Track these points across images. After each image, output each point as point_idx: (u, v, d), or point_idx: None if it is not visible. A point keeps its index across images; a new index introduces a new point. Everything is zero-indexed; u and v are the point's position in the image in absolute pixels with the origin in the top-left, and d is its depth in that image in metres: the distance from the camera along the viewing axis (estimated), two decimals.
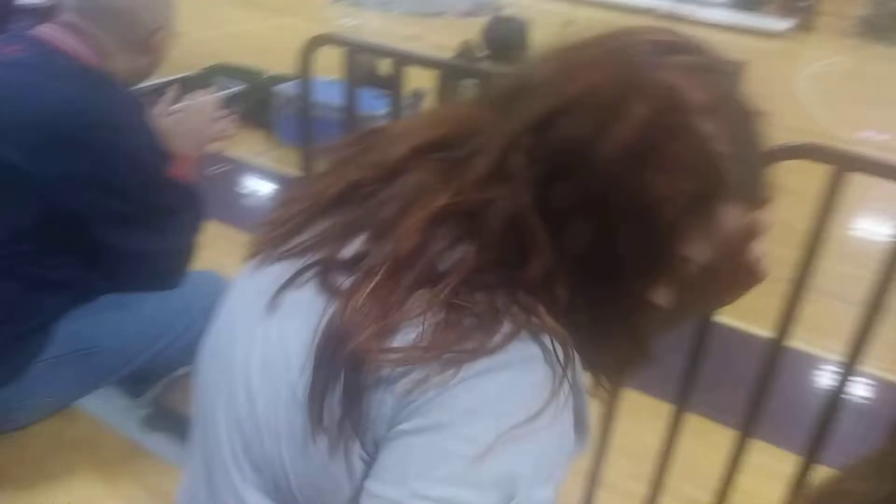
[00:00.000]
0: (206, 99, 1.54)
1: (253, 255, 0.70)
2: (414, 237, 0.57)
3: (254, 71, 5.11)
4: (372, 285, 0.57)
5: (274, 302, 0.64)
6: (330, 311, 0.59)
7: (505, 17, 7.43)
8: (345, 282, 0.60)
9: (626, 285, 0.57)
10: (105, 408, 1.68)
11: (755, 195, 0.60)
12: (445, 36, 6.88)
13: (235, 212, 3.68)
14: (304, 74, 1.84)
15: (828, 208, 1.22)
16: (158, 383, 1.93)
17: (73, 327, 1.37)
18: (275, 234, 0.69)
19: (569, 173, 0.55)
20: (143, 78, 1.46)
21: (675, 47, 0.57)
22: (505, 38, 6.92)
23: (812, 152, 1.22)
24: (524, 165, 0.56)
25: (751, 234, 0.60)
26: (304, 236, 0.66)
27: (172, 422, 1.89)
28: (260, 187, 4.11)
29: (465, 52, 4.89)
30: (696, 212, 0.54)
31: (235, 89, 4.77)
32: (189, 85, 4.75)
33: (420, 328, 0.55)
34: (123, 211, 1.30)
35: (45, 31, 1.31)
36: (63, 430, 1.54)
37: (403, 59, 1.75)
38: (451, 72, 1.85)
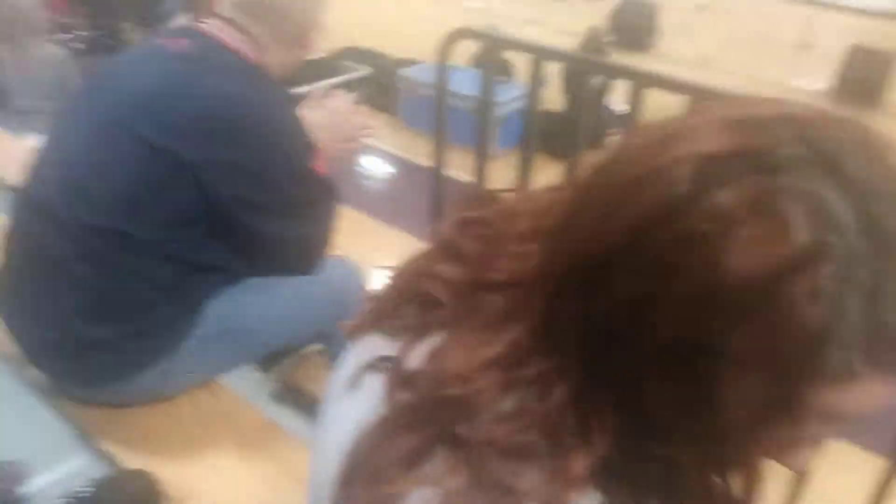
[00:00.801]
0: (344, 98, 1.60)
1: (359, 326, 0.68)
2: (458, 386, 0.51)
3: (379, 54, 5.19)
4: (401, 424, 0.53)
5: (354, 381, 0.62)
6: (365, 431, 0.56)
7: (632, 4, 7.21)
8: (394, 395, 0.56)
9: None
10: (240, 382, 1.78)
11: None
12: (569, 20, 6.75)
13: (359, 196, 3.77)
14: (441, 66, 1.85)
15: None
16: (286, 361, 2.03)
17: (221, 309, 1.45)
18: (381, 303, 0.66)
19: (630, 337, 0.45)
20: (295, 69, 1.52)
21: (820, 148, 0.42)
22: (633, 23, 6.71)
23: None
24: (572, 330, 0.48)
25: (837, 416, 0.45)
26: (402, 314, 0.63)
27: (299, 397, 1.98)
28: (383, 171, 4.19)
29: (592, 38, 4.75)
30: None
31: (360, 74, 4.88)
32: (318, 67, 4.90)
33: (430, 496, 0.49)
34: (270, 200, 1.36)
35: (210, 26, 1.37)
36: (205, 402, 1.64)
37: (544, 55, 1.72)
38: (585, 67, 1.80)
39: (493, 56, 1.83)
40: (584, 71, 2.55)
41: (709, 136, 0.43)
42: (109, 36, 4.68)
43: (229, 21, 1.38)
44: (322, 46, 4.99)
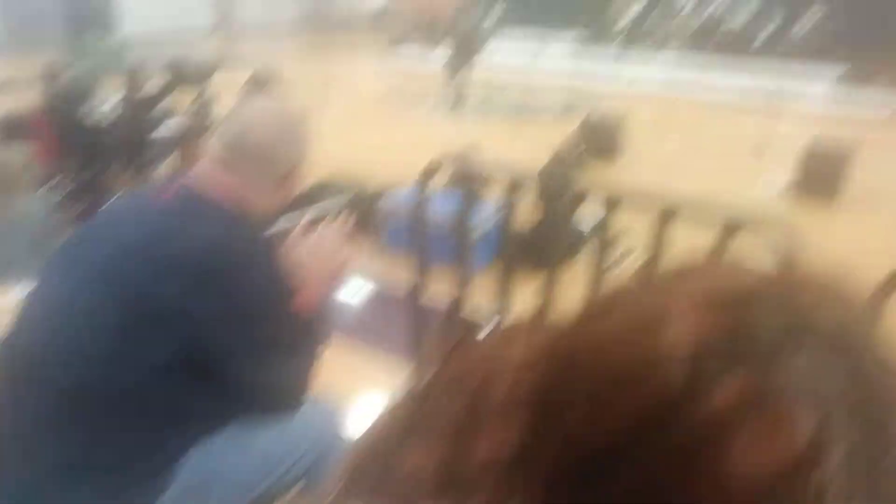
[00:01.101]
0: (328, 230, 1.59)
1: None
2: None
3: (361, 181, 5.38)
4: None
5: None
6: None
7: (599, 115, 7.58)
8: None
9: None
10: None
11: None
12: (541, 134, 7.03)
13: (341, 321, 3.77)
14: (421, 193, 1.92)
15: None
16: None
17: (199, 461, 1.40)
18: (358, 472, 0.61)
19: None
20: (280, 209, 1.53)
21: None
22: (601, 135, 7.03)
23: None
24: None
25: None
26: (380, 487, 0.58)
27: None
28: (365, 296, 4.22)
29: (559, 159, 4.97)
30: None
31: (342, 200, 5.03)
32: (300, 196, 5.02)
33: None
34: (249, 347, 1.34)
35: (194, 175, 1.41)
36: None
37: (519, 182, 1.80)
38: (555, 187, 1.88)
39: (468, 183, 1.91)
40: (556, 189, 2.65)
41: (695, 321, 0.42)
42: (96, 184, 4.77)
43: (214, 170, 1.41)
44: (306, 177, 5.19)
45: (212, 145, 1.45)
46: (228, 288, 1.29)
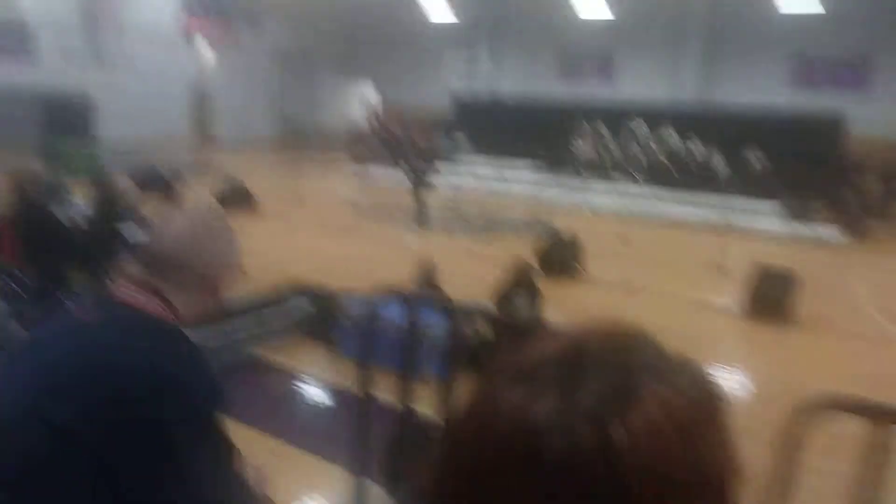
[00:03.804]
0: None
1: None
2: None
3: (321, 289, 5.43)
4: None
5: None
6: None
7: (557, 234, 7.85)
8: None
9: None
10: None
11: None
12: (501, 251, 7.22)
13: (294, 428, 3.72)
14: (375, 302, 1.98)
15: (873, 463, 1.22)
16: None
17: None
18: None
19: None
20: (208, 312, 1.54)
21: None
22: (558, 255, 7.27)
23: (850, 406, 1.26)
24: None
25: None
26: None
27: None
28: (318, 401, 4.18)
29: (519, 268, 5.12)
30: None
31: (301, 308, 5.06)
32: (262, 304, 5.03)
33: None
34: (170, 465, 1.31)
35: (121, 291, 1.38)
36: None
37: (458, 310, 1.90)
38: (498, 324, 1.95)
39: (427, 294, 1.99)
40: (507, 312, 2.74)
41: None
42: (55, 285, 4.71)
43: (139, 283, 1.39)
44: (265, 281, 5.21)
45: (136, 257, 1.45)
46: (145, 406, 1.27)
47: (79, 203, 5.94)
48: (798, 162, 11.74)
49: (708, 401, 0.51)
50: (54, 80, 13.92)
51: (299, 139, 18.53)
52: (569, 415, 0.47)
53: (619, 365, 0.50)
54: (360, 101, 21.22)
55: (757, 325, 5.75)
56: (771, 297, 5.79)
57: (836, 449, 2.10)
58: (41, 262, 4.74)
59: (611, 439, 0.46)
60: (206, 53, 17.64)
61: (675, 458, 0.47)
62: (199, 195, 9.76)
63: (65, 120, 13.78)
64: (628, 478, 0.46)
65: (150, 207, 6.19)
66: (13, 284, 4.58)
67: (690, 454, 0.48)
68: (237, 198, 9.65)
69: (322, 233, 8.79)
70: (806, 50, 14.31)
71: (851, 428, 1.33)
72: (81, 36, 14.76)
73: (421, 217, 9.54)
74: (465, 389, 2.17)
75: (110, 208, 5.38)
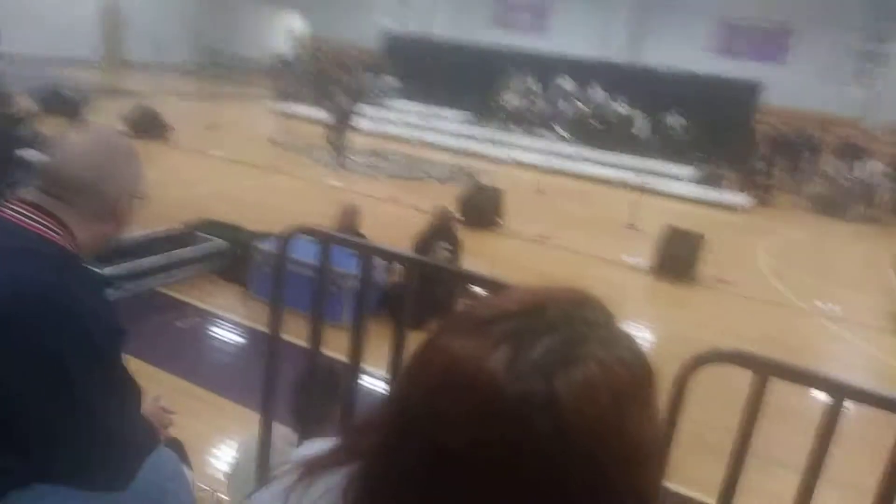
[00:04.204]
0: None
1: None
2: None
3: (236, 227, 5.27)
4: None
5: None
6: None
7: (480, 185, 7.92)
8: None
9: None
10: None
11: None
12: (424, 199, 7.28)
13: (203, 368, 3.65)
14: (280, 258, 1.91)
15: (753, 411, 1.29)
16: None
17: None
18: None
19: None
20: (109, 242, 1.47)
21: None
22: (480, 205, 7.33)
23: (735, 358, 1.32)
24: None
25: None
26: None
27: None
28: (229, 342, 4.11)
29: (441, 216, 5.12)
30: None
31: (215, 246, 4.91)
32: (172, 240, 4.85)
33: None
34: (70, 392, 1.26)
35: (11, 210, 1.30)
36: None
37: (370, 251, 1.88)
38: (413, 267, 1.94)
39: (335, 234, 1.94)
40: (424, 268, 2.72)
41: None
42: None
43: (34, 205, 1.31)
44: (175, 216, 5.02)
45: (33, 178, 1.38)
46: (38, 328, 1.20)
47: None
48: (714, 129, 12.16)
49: (643, 376, 0.53)
50: None
51: (218, 69, 17.71)
52: (522, 364, 0.49)
53: (572, 326, 0.52)
54: (286, 32, 20.40)
55: (663, 284, 6.00)
56: (678, 258, 6.04)
57: (721, 399, 2.24)
58: None
59: (556, 393, 0.48)
60: None
61: (607, 421, 0.49)
62: (105, 119, 9.21)
63: None
64: (569, 433, 0.48)
65: (52, 130, 5.81)
66: None
67: (621, 421, 0.50)
68: (148, 124, 9.14)
69: (238, 169, 8.50)
70: (730, 17, 14.69)
71: (736, 380, 1.41)
72: None
73: (341, 158, 9.36)
74: (375, 333, 2.15)
75: (10, 129, 5.02)
